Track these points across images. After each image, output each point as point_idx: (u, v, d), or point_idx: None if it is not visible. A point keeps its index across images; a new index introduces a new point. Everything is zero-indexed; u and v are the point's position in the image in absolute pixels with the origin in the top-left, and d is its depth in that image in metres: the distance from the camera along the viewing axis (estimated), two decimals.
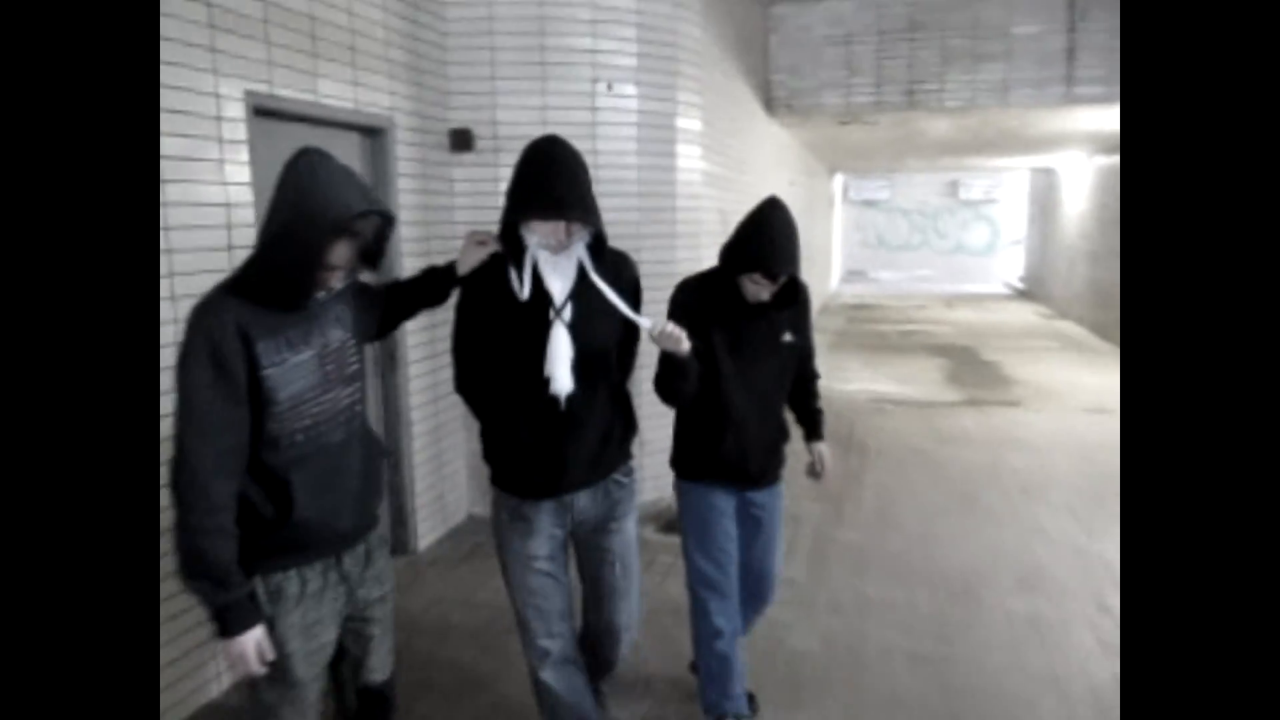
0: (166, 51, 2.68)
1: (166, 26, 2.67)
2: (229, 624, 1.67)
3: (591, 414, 2.16)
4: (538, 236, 2.07)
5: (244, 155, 3.04)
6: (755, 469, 2.61)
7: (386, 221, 1.82)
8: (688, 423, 2.64)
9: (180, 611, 2.80)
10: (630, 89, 4.55)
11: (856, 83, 7.60)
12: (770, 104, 7.77)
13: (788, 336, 2.60)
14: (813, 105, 7.73)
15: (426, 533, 4.38)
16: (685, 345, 2.11)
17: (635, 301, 2.24)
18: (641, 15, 4.53)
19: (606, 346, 2.18)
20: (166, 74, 2.68)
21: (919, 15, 7.36)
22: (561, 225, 2.06)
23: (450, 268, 2.19)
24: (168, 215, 2.73)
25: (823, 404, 2.93)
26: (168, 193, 2.72)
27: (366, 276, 2.00)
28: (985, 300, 17.44)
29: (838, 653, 3.30)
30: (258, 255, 1.74)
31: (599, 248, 2.14)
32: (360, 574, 1.92)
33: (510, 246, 2.11)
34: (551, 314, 2.09)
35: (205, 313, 1.69)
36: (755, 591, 2.77)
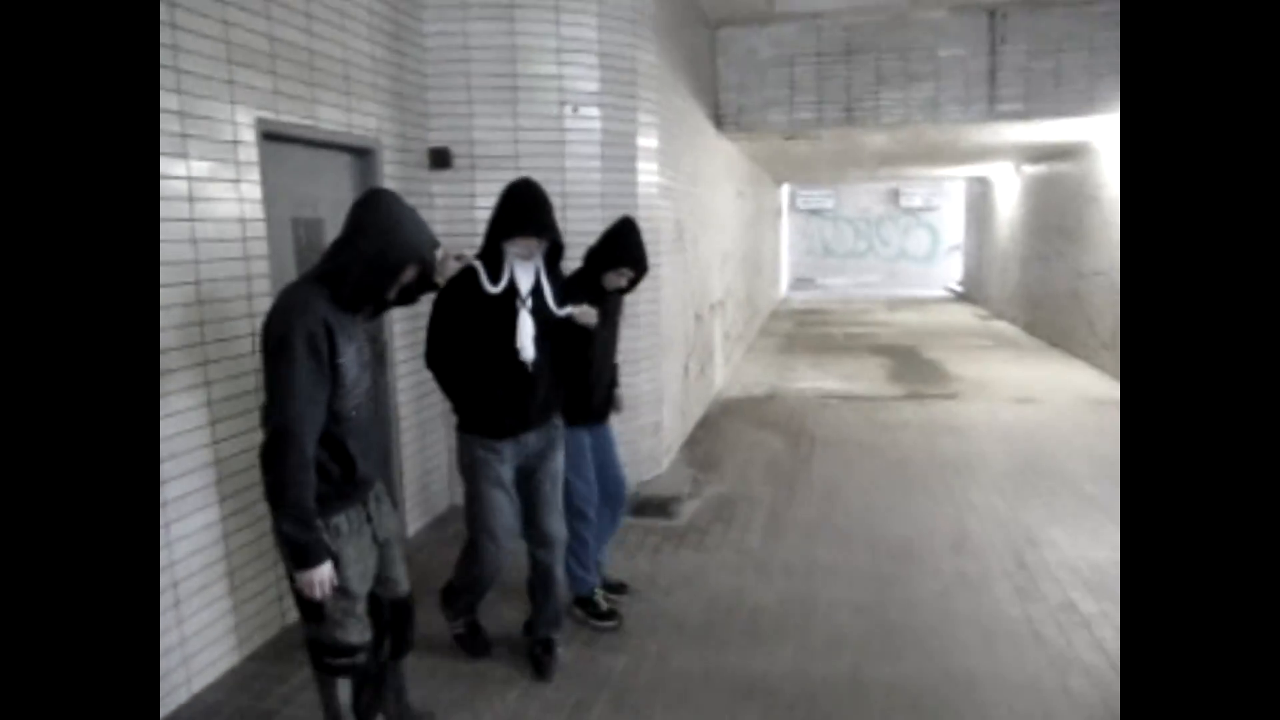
0: (192, 85, 3.04)
1: (192, 62, 3.04)
2: (310, 557, 2.15)
3: (543, 376, 3.06)
4: (516, 248, 2.94)
5: (255, 175, 3.40)
6: (604, 409, 3.64)
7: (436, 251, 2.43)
8: (565, 380, 3.32)
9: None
10: (594, 111, 4.99)
11: (799, 100, 8.15)
12: (720, 121, 8.28)
13: (619, 315, 3.63)
14: (759, 121, 8.26)
15: (414, 520, 4.74)
16: (594, 320, 3.06)
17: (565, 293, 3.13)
18: (603, 44, 4.98)
19: (553, 326, 3.04)
20: (192, 105, 3.05)
21: (855, 39, 7.95)
22: (534, 241, 2.93)
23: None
24: (195, 229, 3.09)
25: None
26: (195, 210, 3.08)
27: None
28: (927, 303, 18.23)
29: (791, 606, 3.76)
30: (349, 268, 2.20)
31: (555, 254, 3.07)
32: (377, 512, 2.45)
33: (490, 255, 2.96)
34: (518, 303, 2.97)
35: (303, 310, 2.14)
36: (615, 492, 3.70)
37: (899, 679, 3.14)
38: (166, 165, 2.94)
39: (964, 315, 15.90)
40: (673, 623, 3.61)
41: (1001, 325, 14.13)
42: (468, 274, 2.91)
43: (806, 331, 13.61)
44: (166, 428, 2.96)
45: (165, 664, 2.97)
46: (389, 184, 4.39)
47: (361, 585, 2.34)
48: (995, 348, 11.59)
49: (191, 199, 3.06)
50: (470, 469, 3.06)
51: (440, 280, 2.77)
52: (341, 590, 2.26)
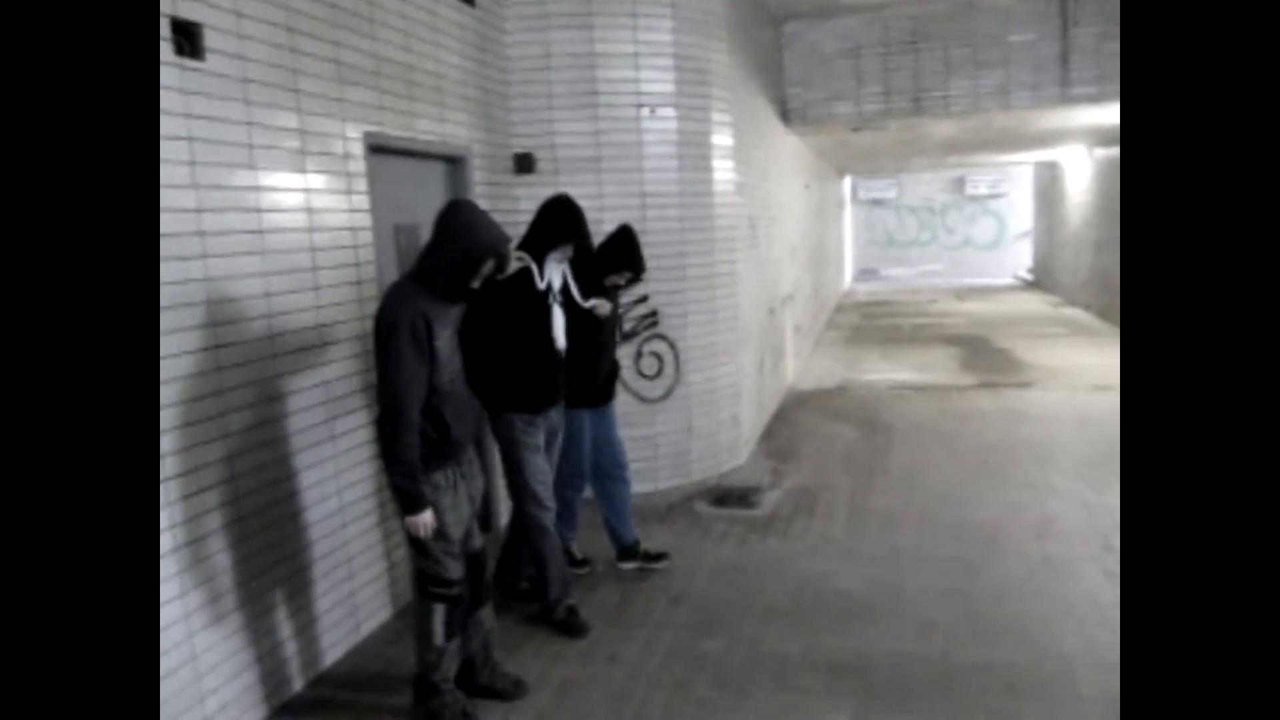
0: (310, 104, 3.27)
1: (309, 83, 3.26)
2: (416, 504, 2.68)
3: (564, 360, 3.63)
4: (557, 254, 3.55)
5: (364, 186, 3.63)
6: (607, 392, 4.09)
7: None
8: (574, 365, 3.75)
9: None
10: (670, 112, 5.13)
11: (866, 92, 8.15)
12: (786, 115, 8.33)
13: (618, 309, 4.14)
14: (825, 115, 8.29)
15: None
16: (608, 311, 3.80)
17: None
18: (677, 46, 5.12)
19: (575, 317, 3.67)
20: (310, 123, 3.27)
21: (921, 27, 7.92)
22: (571, 246, 3.54)
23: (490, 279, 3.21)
24: (313, 238, 3.32)
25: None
26: (314, 220, 3.31)
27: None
28: (995, 292, 17.93)
29: (878, 591, 3.84)
30: (440, 266, 2.71)
31: (582, 255, 3.65)
32: (470, 471, 2.97)
33: (538, 257, 3.50)
34: (551, 299, 3.55)
35: (406, 304, 2.66)
36: (614, 468, 4.13)
37: (992, 661, 3.21)
38: (288, 179, 3.17)
39: (1034, 303, 15.60)
40: (763, 608, 3.73)
41: (1074, 312, 13.84)
42: (518, 274, 3.43)
43: (873, 323, 13.54)
44: (294, 424, 3.20)
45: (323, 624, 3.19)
46: (477, 189, 4.60)
47: (456, 530, 2.84)
48: (1069, 335, 11.38)
49: (310, 210, 3.29)
50: (512, 443, 3.53)
51: (503, 276, 3.25)
52: (440, 533, 2.77)
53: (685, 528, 4.73)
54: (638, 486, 5.27)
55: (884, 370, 9.32)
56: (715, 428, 5.56)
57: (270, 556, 3.07)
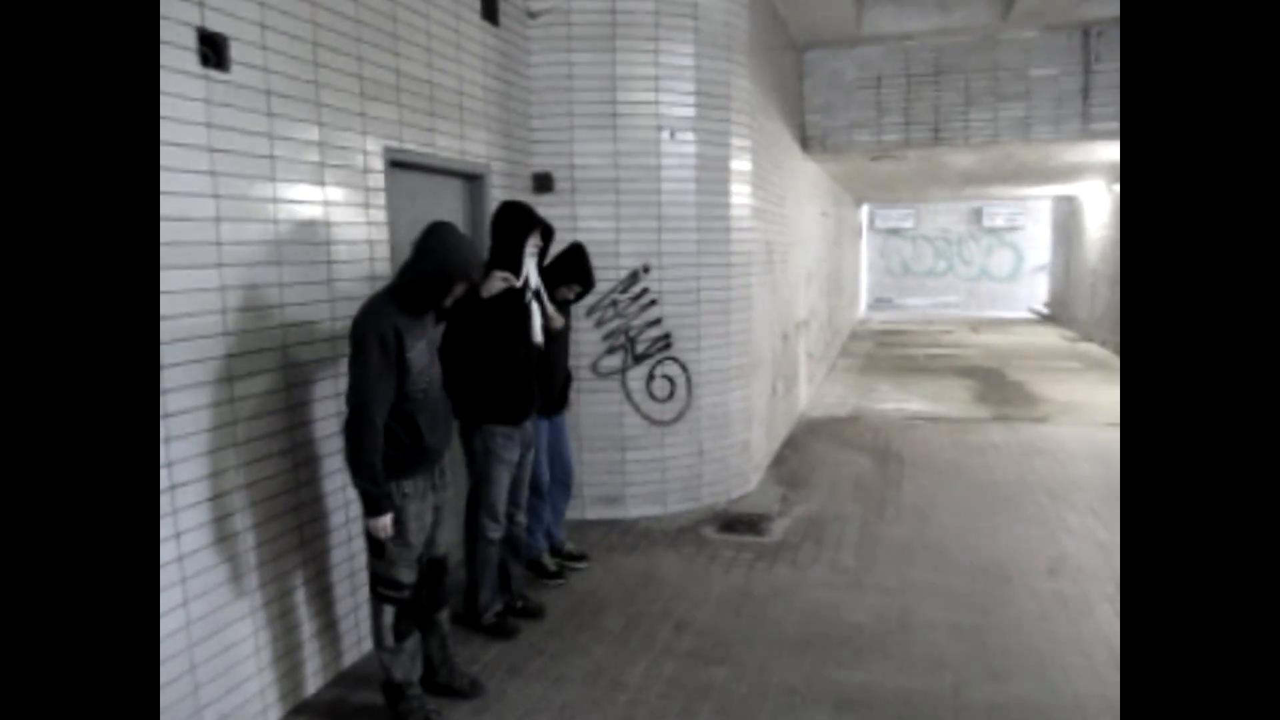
0: (331, 118, 3.29)
1: (331, 96, 3.28)
2: (378, 506, 2.76)
3: (536, 368, 3.75)
4: (530, 246, 3.65)
5: (382, 200, 3.64)
6: (561, 400, 4.30)
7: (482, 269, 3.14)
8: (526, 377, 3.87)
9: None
10: (690, 136, 5.14)
11: (886, 121, 8.17)
12: (806, 142, 8.35)
13: (568, 321, 4.27)
14: (845, 143, 8.30)
15: None
16: (562, 323, 3.95)
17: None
18: (699, 70, 5.14)
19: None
20: (332, 136, 3.29)
21: (943, 60, 7.94)
22: (538, 236, 3.71)
23: (471, 296, 3.35)
24: (331, 251, 3.32)
25: None
26: (332, 233, 3.32)
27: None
28: (1011, 325, 17.83)
29: (888, 624, 3.78)
30: (413, 283, 2.83)
31: (543, 256, 3.85)
32: (440, 482, 3.06)
33: (507, 261, 3.59)
34: (529, 296, 3.68)
35: (378, 315, 2.78)
36: (564, 476, 4.38)
37: (1003, 699, 3.15)
38: (307, 192, 3.18)
39: (1050, 337, 15.50)
40: (770, 636, 3.67)
41: (1090, 347, 13.74)
42: (508, 294, 3.54)
43: (887, 352, 13.48)
44: (319, 430, 3.22)
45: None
46: (495, 207, 4.60)
47: (417, 538, 2.95)
48: (1084, 370, 11.29)
49: (328, 223, 3.30)
50: (489, 456, 3.61)
51: (486, 295, 3.45)
52: (401, 539, 2.87)
53: (693, 553, 4.68)
54: (647, 509, 5.25)
55: (897, 400, 9.25)
56: (725, 452, 5.52)
57: (288, 562, 3.07)
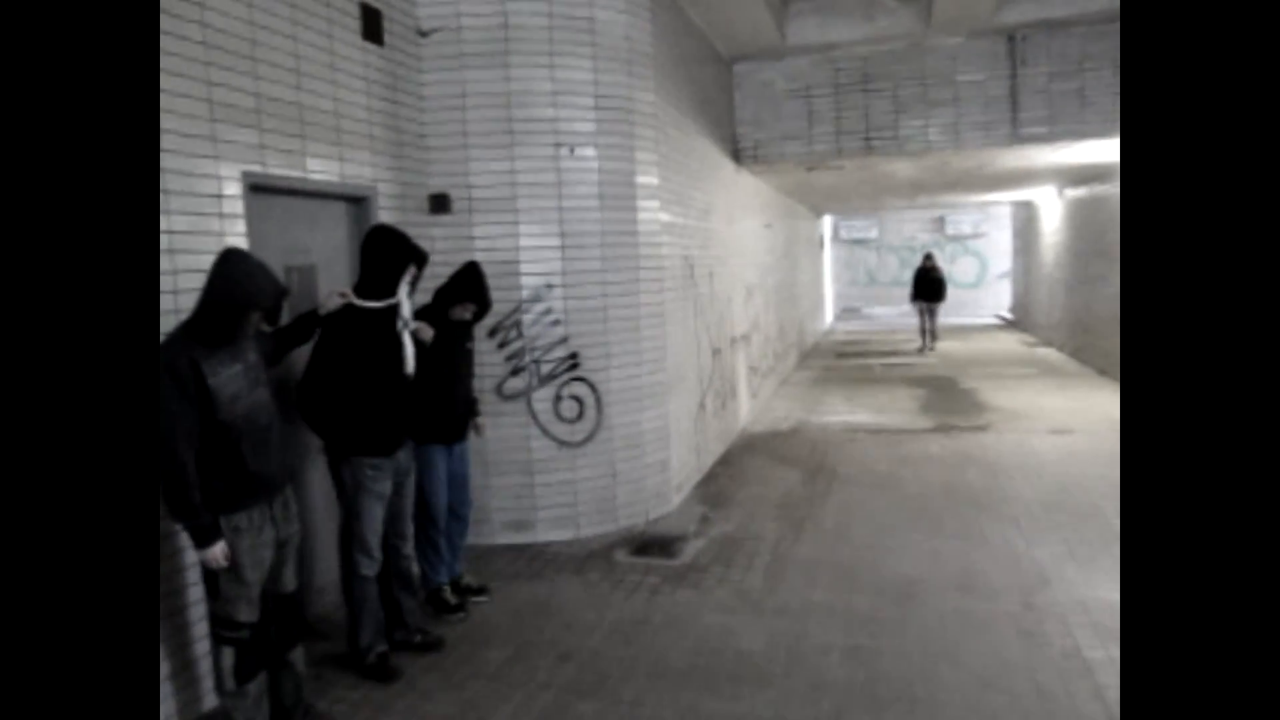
0: (171, 142, 3.16)
1: (173, 121, 3.16)
2: (205, 538, 2.69)
3: (411, 393, 3.60)
4: (406, 276, 3.48)
5: (241, 226, 3.51)
6: (461, 429, 4.16)
7: (282, 297, 2.95)
8: (428, 399, 3.84)
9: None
10: (590, 151, 5.04)
11: (817, 132, 8.12)
12: (738, 154, 8.29)
13: (469, 344, 4.18)
14: (777, 154, 8.25)
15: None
16: (429, 336, 3.73)
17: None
18: (598, 86, 5.05)
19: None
20: (172, 161, 3.17)
21: (871, 68, 7.91)
22: (414, 266, 3.52)
23: (310, 315, 3.43)
24: (178, 280, 3.19)
25: None
26: (176, 261, 3.19)
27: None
28: (973, 332, 17.82)
29: (778, 649, 3.66)
30: (204, 314, 2.74)
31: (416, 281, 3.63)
32: (282, 515, 2.95)
33: (379, 288, 3.44)
34: (400, 324, 3.48)
35: (169, 349, 2.71)
36: (462, 508, 4.23)
37: None
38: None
39: (1010, 343, 15.50)
40: (653, 666, 3.54)
41: (1047, 352, 13.73)
42: (351, 309, 3.41)
43: (845, 363, 13.42)
44: None
45: None
46: None
47: (253, 574, 2.83)
48: (1037, 376, 11.25)
49: (172, 251, 3.17)
50: (358, 489, 3.48)
51: (322, 312, 3.41)
52: (234, 576, 2.77)
53: (598, 578, 4.55)
54: (558, 533, 5.12)
55: (842, 412, 9.16)
56: (642, 473, 5.40)
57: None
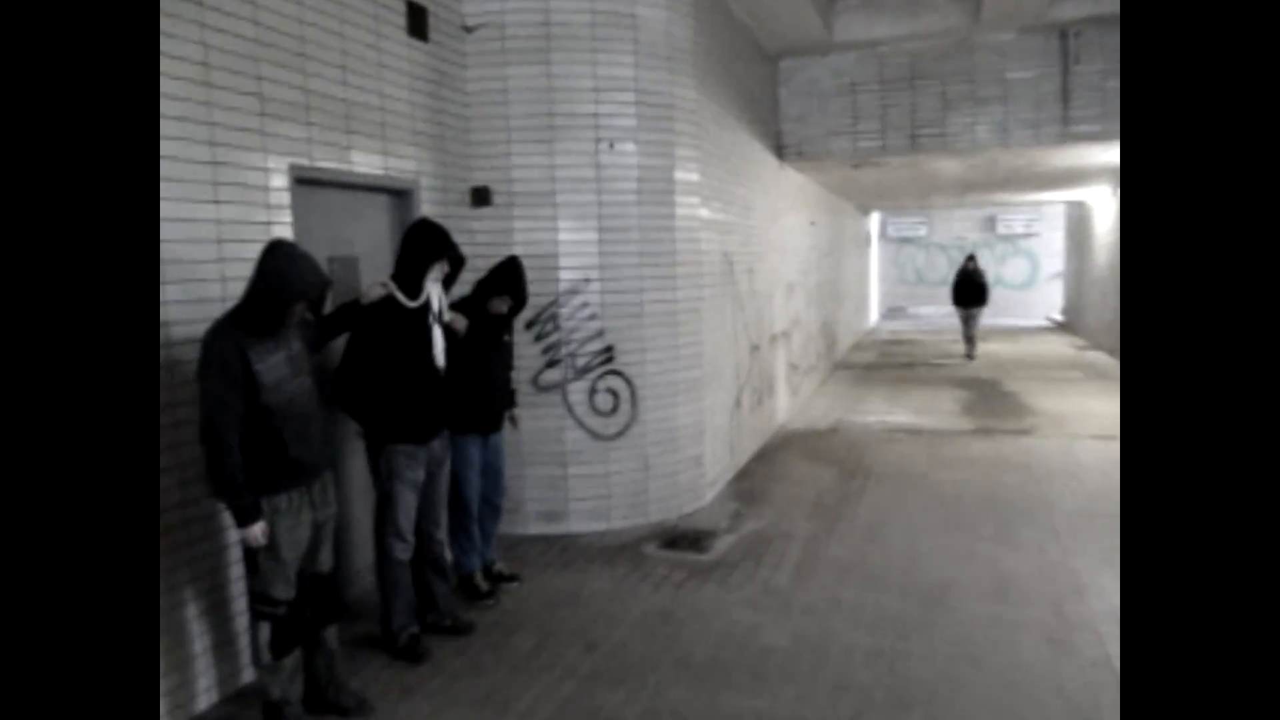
0: (224, 136, 3.28)
1: (226, 116, 3.28)
2: (246, 518, 2.81)
3: (444, 384, 3.67)
4: (434, 272, 3.57)
5: (288, 217, 3.62)
6: (496, 421, 4.25)
7: (326, 288, 3.01)
8: (465, 391, 3.94)
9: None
10: (630, 147, 5.08)
11: (862, 129, 8.05)
12: (781, 151, 8.25)
13: (506, 336, 4.28)
14: (822, 151, 8.20)
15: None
16: (463, 326, 3.82)
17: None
18: (639, 81, 5.08)
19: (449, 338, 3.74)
20: (223, 154, 3.28)
21: (918, 65, 7.81)
22: (445, 263, 3.60)
23: (352, 305, 3.50)
24: (225, 269, 3.31)
25: None
26: (224, 250, 3.31)
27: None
28: (1022, 334, 17.50)
29: (803, 647, 3.67)
30: (250, 304, 2.83)
31: (452, 276, 3.74)
32: (321, 498, 3.05)
33: (409, 281, 3.52)
34: (431, 319, 3.59)
35: (218, 336, 2.81)
36: (495, 497, 4.32)
37: None
38: (199, 210, 3.18)
39: (1059, 346, 15.18)
40: (677, 658, 3.58)
41: (1097, 356, 13.42)
42: (386, 300, 3.48)
43: (888, 362, 13.28)
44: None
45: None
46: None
47: (290, 553, 2.94)
48: (1084, 380, 11.01)
49: (220, 241, 3.29)
50: (392, 476, 3.56)
51: (364, 302, 3.48)
52: (272, 554, 2.89)
53: (626, 570, 4.60)
54: (590, 525, 5.18)
55: (882, 412, 9.09)
56: (675, 467, 5.44)
57: (176, 578, 3.04)
